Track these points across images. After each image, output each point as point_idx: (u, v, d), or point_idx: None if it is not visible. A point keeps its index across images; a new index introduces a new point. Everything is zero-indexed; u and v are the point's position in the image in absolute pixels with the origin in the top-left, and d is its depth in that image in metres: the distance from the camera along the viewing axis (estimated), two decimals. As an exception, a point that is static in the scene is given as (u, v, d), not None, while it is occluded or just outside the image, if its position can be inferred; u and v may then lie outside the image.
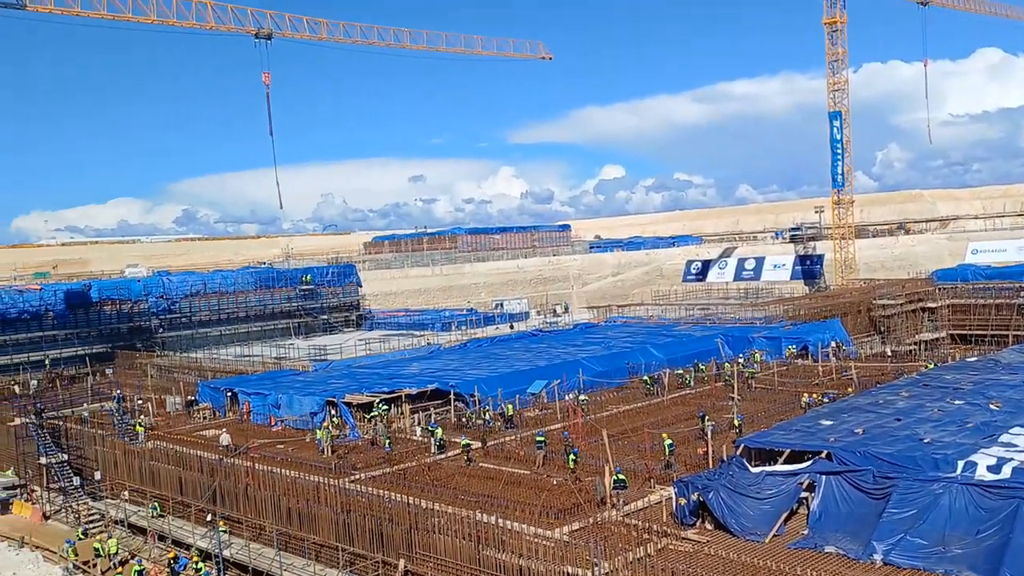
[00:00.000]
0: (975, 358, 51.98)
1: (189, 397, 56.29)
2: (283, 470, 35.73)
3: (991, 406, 34.59)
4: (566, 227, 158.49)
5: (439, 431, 41.05)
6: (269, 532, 33.55)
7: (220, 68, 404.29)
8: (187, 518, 37.66)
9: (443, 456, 39.01)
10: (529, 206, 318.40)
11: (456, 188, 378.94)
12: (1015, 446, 27.81)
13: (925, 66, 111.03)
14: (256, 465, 36.39)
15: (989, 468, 25.43)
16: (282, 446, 43.77)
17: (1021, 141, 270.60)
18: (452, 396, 48.62)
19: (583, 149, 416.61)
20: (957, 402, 35.96)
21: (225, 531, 34.96)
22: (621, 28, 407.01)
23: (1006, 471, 24.99)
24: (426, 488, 32.96)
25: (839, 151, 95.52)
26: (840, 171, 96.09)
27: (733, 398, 44.46)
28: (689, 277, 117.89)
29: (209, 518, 36.39)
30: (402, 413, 47.79)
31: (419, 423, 46.15)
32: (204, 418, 53.32)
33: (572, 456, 34.85)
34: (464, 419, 46.40)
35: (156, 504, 39.59)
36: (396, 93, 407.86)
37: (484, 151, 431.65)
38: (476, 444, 39.87)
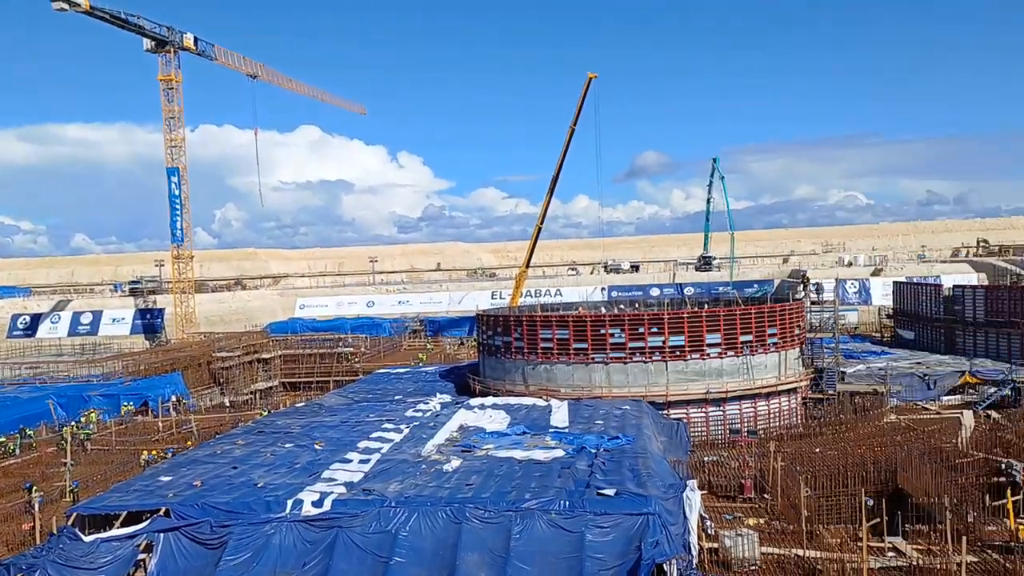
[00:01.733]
0: (303, 403, 57.62)
1: None
2: None
3: (316, 446, 38.63)
4: None
5: None
6: None
7: None
8: None
9: None
10: None
11: None
12: (335, 480, 31.50)
13: (256, 134, 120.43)
14: None
15: (313, 503, 28.28)
16: None
17: (338, 210, 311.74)
18: None
19: None
20: (288, 445, 39.21)
21: None
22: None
23: (327, 504, 28.14)
24: None
25: (178, 207, 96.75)
26: (180, 227, 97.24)
27: (67, 463, 41.43)
28: (16, 333, 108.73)
29: None
30: None
31: None
32: None
33: None
34: None
35: None
36: None
37: None
38: None
